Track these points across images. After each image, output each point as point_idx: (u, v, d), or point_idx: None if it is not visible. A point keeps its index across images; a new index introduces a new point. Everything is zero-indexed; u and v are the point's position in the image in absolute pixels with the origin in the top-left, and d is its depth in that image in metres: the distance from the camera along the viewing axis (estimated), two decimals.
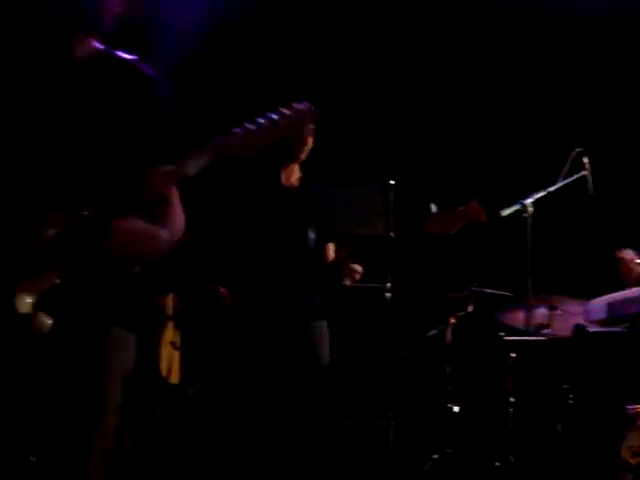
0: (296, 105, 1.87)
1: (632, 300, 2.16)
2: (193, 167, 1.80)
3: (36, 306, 1.74)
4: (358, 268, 3.30)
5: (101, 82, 1.90)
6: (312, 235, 3.42)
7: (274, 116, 1.82)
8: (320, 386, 3.31)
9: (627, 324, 1.99)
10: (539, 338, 2.82)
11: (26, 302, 1.72)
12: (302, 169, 3.50)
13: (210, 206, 3.41)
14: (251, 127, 1.81)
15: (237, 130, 1.81)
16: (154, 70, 1.96)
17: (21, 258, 1.73)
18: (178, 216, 1.94)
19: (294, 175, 3.47)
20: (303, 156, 3.43)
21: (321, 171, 3.52)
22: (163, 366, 3.80)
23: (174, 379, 3.85)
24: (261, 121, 1.82)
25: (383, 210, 3.63)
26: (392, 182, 3.67)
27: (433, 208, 3.32)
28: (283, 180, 3.44)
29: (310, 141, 3.42)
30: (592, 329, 1.93)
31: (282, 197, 3.41)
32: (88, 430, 1.81)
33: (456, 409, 4.20)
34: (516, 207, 3.66)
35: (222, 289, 3.31)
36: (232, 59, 4.93)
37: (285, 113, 1.83)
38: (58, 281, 1.75)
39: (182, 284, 3.73)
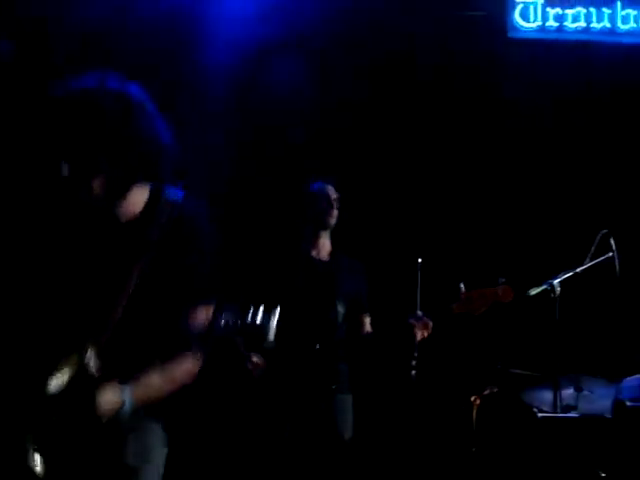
0: None
1: None
2: None
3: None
4: (429, 323, 3.31)
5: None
6: (341, 309, 3.44)
7: None
8: (340, 461, 3.28)
9: None
10: (571, 415, 2.80)
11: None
12: (333, 244, 3.55)
13: (243, 277, 3.45)
14: None
15: None
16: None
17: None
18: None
19: (325, 248, 3.52)
20: (333, 224, 3.49)
21: (352, 248, 3.57)
22: None
23: None
24: None
25: None
26: (420, 260, 3.70)
27: (462, 288, 3.35)
28: (314, 253, 3.49)
29: (337, 208, 3.48)
30: (631, 404, 1.93)
31: (312, 269, 3.45)
32: None
33: None
34: (544, 287, 3.68)
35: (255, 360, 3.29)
36: None
37: None
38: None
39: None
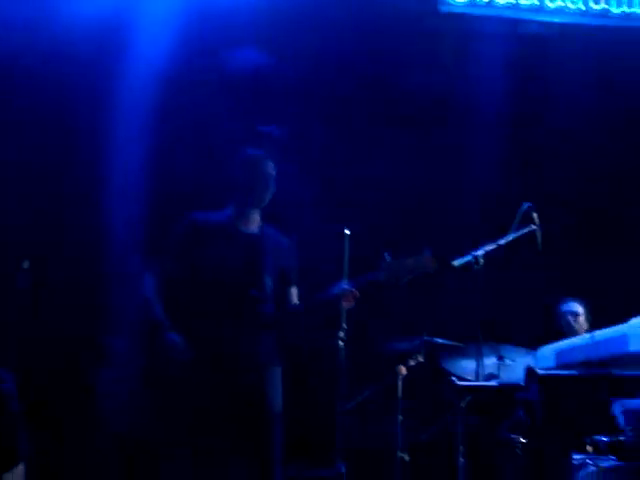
0: None
1: (579, 348, 2.24)
2: None
3: None
4: (356, 293, 3.34)
5: None
6: (269, 282, 3.43)
7: None
8: (271, 433, 3.29)
9: (575, 371, 2.07)
10: (489, 384, 2.88)
11: None
12: (262, 217, 3.53)
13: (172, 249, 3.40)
14: None
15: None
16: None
17: None
18: None
19: (254, 221, 3.50)
20: (266, 202, 3.47)
21: (279, 220, 3.56)
22: None
23: None
24: None
25: None
26: (347, 232, 3.72)
27: (387, 257, 3.37)
28: (243, 226, 3.46)
29: (272, 186, 3.46)
30: (542, 372, 1.99)
31: (241, 242, 3.42)
32: None
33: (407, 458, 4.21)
34: (468, 258, 3.75)
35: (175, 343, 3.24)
36: None
37: None
38: None
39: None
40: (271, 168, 3.50)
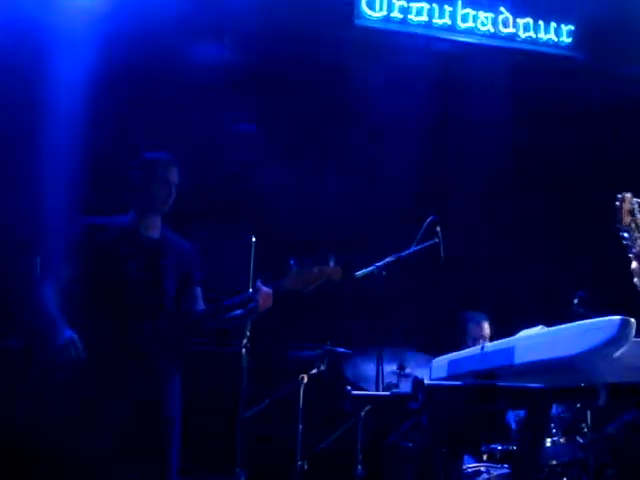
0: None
1: (469, 359, 2.30)
2: None
3: None
4: (270, 293, 3.29)
5: None
6: (170, 287, 3.39)
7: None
8: (167, 437, 3.25)
9: (461, 381, 2.13)
10: (382, 394, 2.93)
11: None
12: (163, 220, 3.48)
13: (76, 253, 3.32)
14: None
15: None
16: None
17: None
18: None
19: (155, 225, 3.45)
20: (166, 208, 3.43)
21: (184, 225, 3.52)
22: None
23: None
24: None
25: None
26: (253, 239, 3.73)
27: (292, 266, 3.38)
28: (143, 230, 3.41)
29: (174, 193, 3.42)
30: (428, 382, 2.04)
31: (141, 246, 3.37)
32: None
33: (305, 467, 4.23)
34: (371, 269, 3.81)
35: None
36: None
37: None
38: None
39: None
40: (173, 173, 3.44)
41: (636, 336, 1.84)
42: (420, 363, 4.32)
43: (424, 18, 5.64)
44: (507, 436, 4.30)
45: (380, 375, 3.83)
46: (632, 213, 2.82)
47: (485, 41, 5.69)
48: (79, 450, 3.07)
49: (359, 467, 4.14)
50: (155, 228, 3.44)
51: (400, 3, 5.63)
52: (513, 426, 4.41)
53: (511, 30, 5.75)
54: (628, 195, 2.85)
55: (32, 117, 4.67)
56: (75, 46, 4.74)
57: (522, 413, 3.92)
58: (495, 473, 3.99)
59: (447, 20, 5.69)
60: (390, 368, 4.24)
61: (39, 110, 4.67)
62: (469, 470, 4.10)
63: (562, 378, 2.06)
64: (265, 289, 3.31)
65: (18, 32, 4.73)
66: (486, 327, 4.84)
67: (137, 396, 3.19)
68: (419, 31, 5.62)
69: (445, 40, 5.68)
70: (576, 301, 3.77)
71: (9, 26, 4.73)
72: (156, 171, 3.41)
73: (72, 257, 3.33)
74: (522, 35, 5.78)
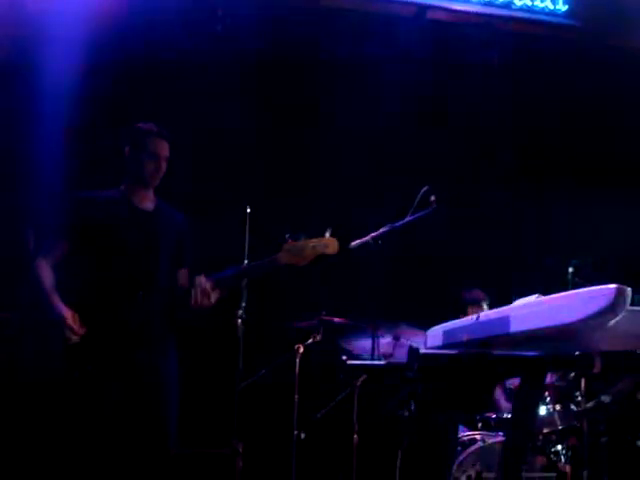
0: None
1: (464, 328, 2.31)
2: None
3: None
4: (208, 290, 3.16)
5: None
6: (164, 259, 3.38)
7: None
8: (166, 406, 3.25)
9: (459, 350, 2.13)
10: (377, 363, 2.94)
11: None
12: (156, 193, 3.45)
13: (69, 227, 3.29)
14: None
15: None
16: None
17: None
18: None
19: (148, 198, 3.42)
20: (156, 182, 3.38)
21: (178, 198, 3.49)
22: None
23: None
24: None
25: None
26: (248, 210, 3.71)
27: (288, 238, 3.36)
28: (137, 202, 3.37)
29: (164, 166, 3.37)
30: (424, 351, 2.05)
31: (135, 218, 3.34)
32: None
33: (302, 436, 4.26)
34: (365, 240, 3.79)
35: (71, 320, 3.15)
36: None
37: None
38: None
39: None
40: (163, 146, 3.35)
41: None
42: (416, 333, 4.34)
43: None
44: (492, 404, 4.34)
45: (375, 345, 3.85)
46: None
47: (480, 9, 5.63)
48: (77, 419, 3.08)
49: (355, 436, 4.18)
50: (148, 200, 3.40)
51: None
52: (499, 399, 4.45)
53: None
54: None
55: (26, 95, 4.62)
56: (70, 33, 4.69)
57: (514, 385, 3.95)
58: (490, 441, 4.03)
59: None
60: (384, 339, 4.26)
61: (33, 88, 4.62)
62: (464, 438, 4.14)
63: (557, 347, 2.07)
64: (204, 285, 3.15)
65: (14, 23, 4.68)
66: (485, 309, 4.85)
67: (133, 368, 3.19)
68: None
69: (440, 7, 5.63)
70: (571, 270, 3.77)
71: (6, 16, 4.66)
72: (145, 143, 3.33)
73: (65, 233, 3.30)
74: (518, 3, 5.72)
